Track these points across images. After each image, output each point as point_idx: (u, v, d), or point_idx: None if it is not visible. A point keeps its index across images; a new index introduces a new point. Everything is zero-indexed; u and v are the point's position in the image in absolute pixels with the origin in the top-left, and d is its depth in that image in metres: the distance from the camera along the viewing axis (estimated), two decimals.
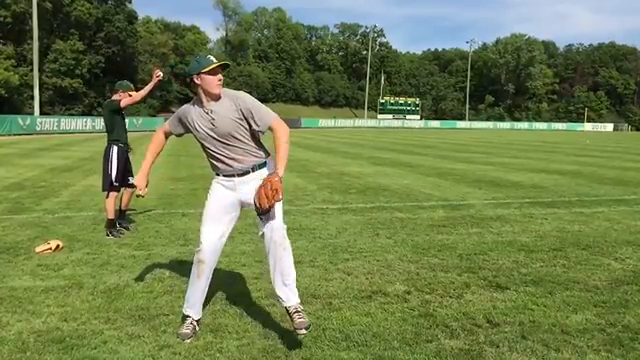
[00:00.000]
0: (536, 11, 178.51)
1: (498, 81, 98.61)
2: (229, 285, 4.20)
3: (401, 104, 74.40)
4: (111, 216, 6.01)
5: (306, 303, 3.84)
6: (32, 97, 39.31)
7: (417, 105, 75.44)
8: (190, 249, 5.44)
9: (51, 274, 4.55)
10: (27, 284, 4.27)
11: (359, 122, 69.47)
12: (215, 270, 3.46)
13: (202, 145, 3.36)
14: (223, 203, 3.34)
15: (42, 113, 39.13)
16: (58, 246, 5.34)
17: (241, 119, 3.21)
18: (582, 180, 12.06)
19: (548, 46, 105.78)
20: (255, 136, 3.30)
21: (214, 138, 3.25)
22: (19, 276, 4.49)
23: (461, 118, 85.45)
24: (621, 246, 5.75)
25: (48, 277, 4.47)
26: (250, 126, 3.23)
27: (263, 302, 3.90)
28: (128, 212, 6.74)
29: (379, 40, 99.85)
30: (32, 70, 38.75)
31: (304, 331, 3.08)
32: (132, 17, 60.54)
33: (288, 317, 3.18)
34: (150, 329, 3.40)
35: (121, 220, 6.23)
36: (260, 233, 3.22)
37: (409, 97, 79.85)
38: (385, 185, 10.69)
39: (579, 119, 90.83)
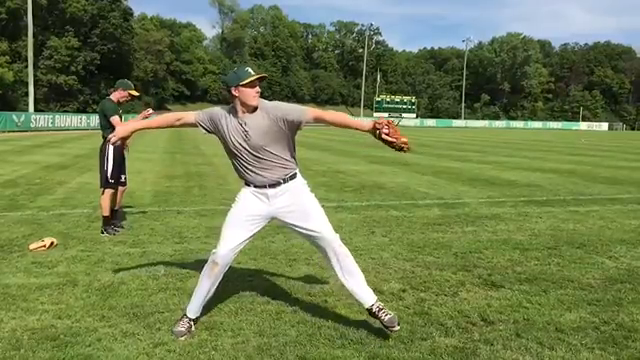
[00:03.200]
0: (532, 10, 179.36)
1: (494, 80, 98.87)
2: (224, 283, 4.16)
3: (397, 102, 74.69)
4: (106, 213, 5.99)
5: (301, 301, 3.85)
6: (26, 94, 39.14)
7: (413, 103, 75.71)
8: (185, 247, 5.45)
9: (45, 271, 4.53)
10: (21, 281, 4.25)
11: None
12: None
13: (232, 155, 3.31)
14: (251, 212, 3.31)
15: (37, 110, 38.97)
16: (52, 243, 5.31)
17: (277, 130, 3.19)
18: (577, 179, 12.10)
19: (544, 45, 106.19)
20: (288, 148, 3.30)
21: (246, 150, 3.23)
22: (13, 273, 4.47)
23: (457, 117, 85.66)
24: (615, 245, 5.77)
25: (42, 274, 4.45)
26: (290, 131, 3.24)
27: (258, 300, 3.90)
28: (123, 209, 6.73)
29: (375, 38, 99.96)
30: (27, 67, 38.59)
31: (397, 327, 3.18)
32: (127, 14, 60.35)
33: (373, 318, 3.25)
34: (145, 327, 3.39)
35: (114, 220, 6.21)
36: (318, 247, 3.34)
37: (405, 95, 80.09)
38: (381, 183, 10.69)
39: (574, 118, 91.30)
